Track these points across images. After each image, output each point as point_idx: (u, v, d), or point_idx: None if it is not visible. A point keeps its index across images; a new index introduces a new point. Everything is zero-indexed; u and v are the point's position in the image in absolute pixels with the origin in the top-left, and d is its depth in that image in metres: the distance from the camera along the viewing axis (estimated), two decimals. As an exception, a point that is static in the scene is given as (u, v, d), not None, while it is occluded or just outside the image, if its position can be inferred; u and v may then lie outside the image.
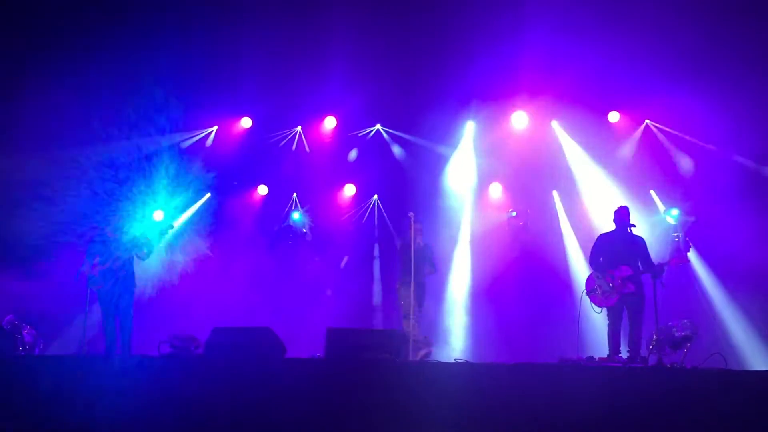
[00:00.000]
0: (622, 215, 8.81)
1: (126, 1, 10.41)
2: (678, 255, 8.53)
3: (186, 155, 11.71)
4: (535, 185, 12.01)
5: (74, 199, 9.56)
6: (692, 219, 9.00)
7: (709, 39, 10.10)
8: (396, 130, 12.48)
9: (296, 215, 12.49)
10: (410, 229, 9.46)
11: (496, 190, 12.30)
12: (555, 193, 12.12)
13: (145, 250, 8.87)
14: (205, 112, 12.08)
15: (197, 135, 12.30)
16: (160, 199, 11.03)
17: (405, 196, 11.90)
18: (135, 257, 8.85)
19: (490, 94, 11.57)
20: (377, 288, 12.26)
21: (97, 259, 8.79)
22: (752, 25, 9.84)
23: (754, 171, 10.55)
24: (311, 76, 11.56)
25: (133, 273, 8.89)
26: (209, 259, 11.31)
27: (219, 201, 12.13)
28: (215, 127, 12.44)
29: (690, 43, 10.15)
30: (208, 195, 12.14)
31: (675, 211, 11.15)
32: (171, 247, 10.74)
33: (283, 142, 12.57)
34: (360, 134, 12.50)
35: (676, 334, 8.14)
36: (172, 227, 9.22)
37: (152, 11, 10.40)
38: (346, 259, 12.45)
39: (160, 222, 10.27)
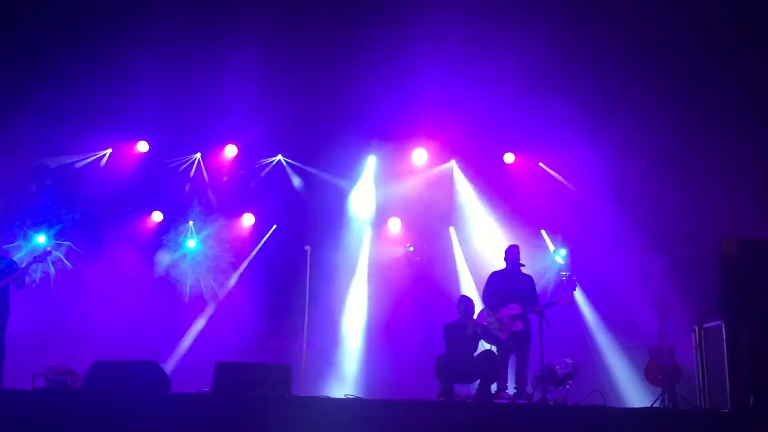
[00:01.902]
0: (512, 254, 9.10)
1: (18, 19, 9.97)
2: (565, 295, 8.90)
3: (76, 178, 11.28)
4: (433, 221, 12.26)
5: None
6: (566, 274, 9.40)
7: (601, 84, 10.77)
8: (297, 162, 12.46)
9: (191, 243, 12.18)
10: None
11: (395, 225, 12.46)
12: (452, 230, 12.40)
13: (20, 279, 8.42)
14: (98, 135, 11.65)
15: (89, 158, 11.83)
16: (43, 223, 10.58)
17: (304, 227, 11.90)
18: (12, 284, 8.37)
19: (391, 131, 11.81)
20: (271, 319, 12.07)
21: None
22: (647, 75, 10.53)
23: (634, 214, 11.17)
24: (213, 103, 11.43)
25: (8, 301, 8.39)
26: (97, 287, 10.84)
27: (107, 226, 11.64)
28: (109, 150, 12.01)
29: (580, 88, 10.77)
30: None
31: (563, 251, 11.67)
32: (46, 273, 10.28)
33: (182, 168, 12.28)
34: (261, 163, 12.39)
35: (559, 372, 8.45)
36: (50, 253, 8.81)
37: (46, 29, 10.04)
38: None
39: (39, 247, 9.82)
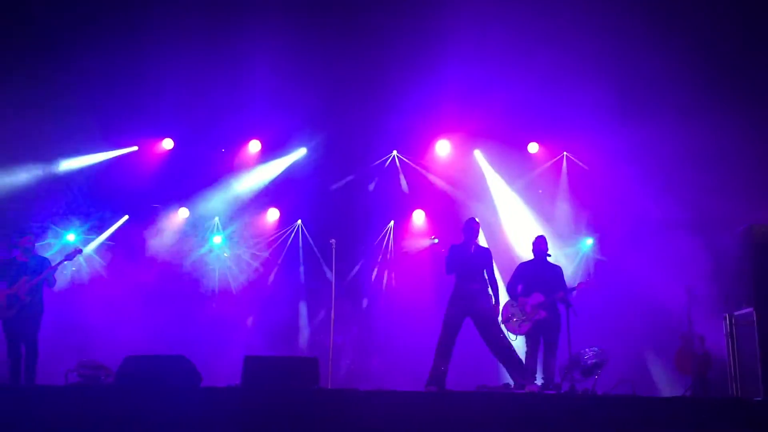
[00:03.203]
0: (539, 244, 9.04)
1: (43, 19, 10.10)
2: (587, 281, 8.83)
3: (103, 176, 11.43)
4: (458, 213, 12.22)
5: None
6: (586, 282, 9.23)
7: (627, 72, 10.62)
8: (321, 155, 12.47)
9: (218, 239, 12.29)
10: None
11: (419, 217, 12.45)
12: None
13: (53, 277, 8.57)
14: (124, 133, 11.78)
15: (115, 155, 11.98)
16: (73, 221, 10.73)
17: (329, 220, 11.95)
18: (44, 282, 8.51)
19: (414, 122, 11.78)
20: (303, 314, 12.15)
21: (4, 284, 8.42)
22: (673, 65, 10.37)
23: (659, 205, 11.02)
24: (236, 99, 11.50)
25: (41, 298, 8.54)
26: (124, 284, 11.00)
27: (137, 223, 11.79)
28: (135, 148, 12.14)
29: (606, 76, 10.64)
30: (126, 217, 11.83)
31: (590, 240, 11.58)
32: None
33: (206, 164, 12.38)
34: (287, 157, 12.43)
35: (587, 362, 8.39)
36: (80, 251, 8.92)
37: (70, 30, 10.16)
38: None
39: (70, 245, 9.96)
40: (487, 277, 8.23)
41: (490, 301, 8.15)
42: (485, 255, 8.37)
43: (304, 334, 11.81)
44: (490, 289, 8.20)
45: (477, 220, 8.51)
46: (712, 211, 10.35)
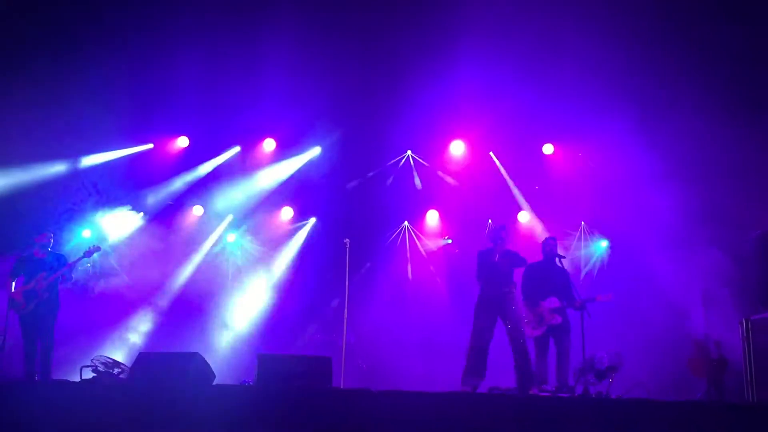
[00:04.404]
0: (549, 246, 8.99)
1: (59, 17, 10.18)
2: (606, 296, 8.81)
3: (119, 173, 11.50)
4: (471, 213, 12.20)
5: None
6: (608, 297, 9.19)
7: (640, 73, 10.54)
8: (336, 154, 12.48)
9: (231, 237, 12.33)
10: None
11: (433, 217, 12.43)
12: (490, 222, 12.31)
13: (70, 274, 8.63)
14: (140, 130, 11.85)
15: (131, 152, 12.04)
16: (89, 218, 10.79)
17: (343, 219, 11.96)
18: (61, 279, 8.58)
19: (429, 122, 11.76)
20: (315, 312, 12.17)
21: (21, 280, 8.50)
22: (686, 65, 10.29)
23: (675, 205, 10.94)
24: (251, 97, 11.52)
25: (57, 295, 8.61)
26: (138, 282, 11.06)
27: (153, 221, 11.86)
28: (151, 145, 12.20)
29: (622, 78, 10.56)
30: (141, 214, 11.91)
31: (604, 243, 11.51)
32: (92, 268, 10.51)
33: (221, 162, 12.43)
34: (301, 156, 12.45)
35: (601, 365, 8.34)
36: (98, 249, 8.98)
37: (89, 28, 10.23)
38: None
39: (87, 242, 10.01)
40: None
41: (518, 305, 8.31)
42: (512, 259, 8.49)
43: (317, 333, 11.82)
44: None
45: (502, 226, 8.65)
46: (728, 215, 10.26)
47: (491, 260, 8.39)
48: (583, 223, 11.80)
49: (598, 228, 11.58)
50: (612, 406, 6.96)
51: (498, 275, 8.33)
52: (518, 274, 8.82)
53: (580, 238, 11.65)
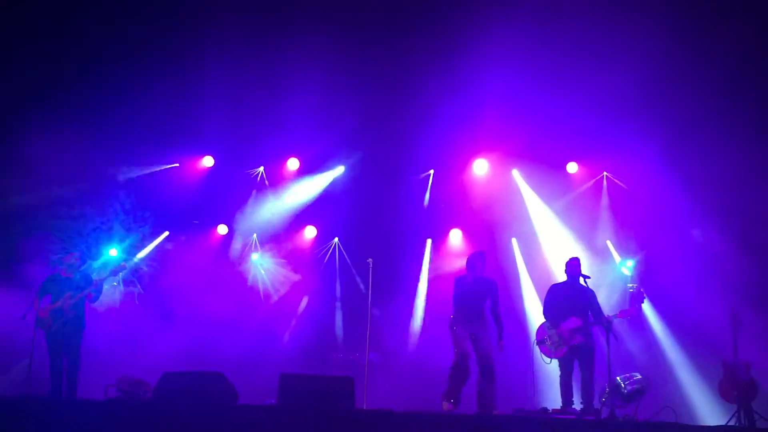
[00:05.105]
0: (573, 266, 8.90)
1: (89, 40, 10.39)
2: (629, 307, 8.68)
3: (145, 192, 11.64)
4: (495, 232, 12.13)
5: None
6: (633, 286, 9.08)
7: (665, 94, 10.45)
8: (360, 174, 12.50)
9: (255, 256, 12.40)
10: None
11: (456, 237, 12.39)
12: (514, 241, 12.24)
13: (97, 293, 8.72)
14: (166, 149, 12.01)
15: (157, 172, 12.19)
16: (115, 237, 10.92)
17: (367, 239, 11.95)
18: (87, 298, 8.67)
19: (452, 140, 11.75)
20: (338, 332, 12.15)
21: (48, 299, 8.60)
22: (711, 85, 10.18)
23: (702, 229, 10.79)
24: (275, 117, 11.62)
25: (84, 313, 8.70)
26: (162, 300, 11.14)
27: (177, 239, 11.98)
28: (176, 164, 12.35)
29: (647, 97, 10.48)
30: (167, 233, 12.02)
31: (630, 262, 11.37)
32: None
33: (246, 180, 12.53)
34: (325, 175, 12.51)
35: (628, 388, 8.21)
36: (124, 268, 9.07)
37: (118, 47, 10.42)
38: (305, 300, 12.35)
39: (113, 260, 10.13)
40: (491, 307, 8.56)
41: (489, 330, 8.46)
42: (485, 286, 8.58)
43: (340, 352, 11.79)
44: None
45: (480, 253, 8.78)
46: (757, 233, 10.09)
47: (464, 285, 8.60)
48: (608, 242, 11.67)
49: (624, 248, 11.43)
50: (638, 430, 6.86)
51: (469, 300, 8.52)
52: (544, 291, 8.74)
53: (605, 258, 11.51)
